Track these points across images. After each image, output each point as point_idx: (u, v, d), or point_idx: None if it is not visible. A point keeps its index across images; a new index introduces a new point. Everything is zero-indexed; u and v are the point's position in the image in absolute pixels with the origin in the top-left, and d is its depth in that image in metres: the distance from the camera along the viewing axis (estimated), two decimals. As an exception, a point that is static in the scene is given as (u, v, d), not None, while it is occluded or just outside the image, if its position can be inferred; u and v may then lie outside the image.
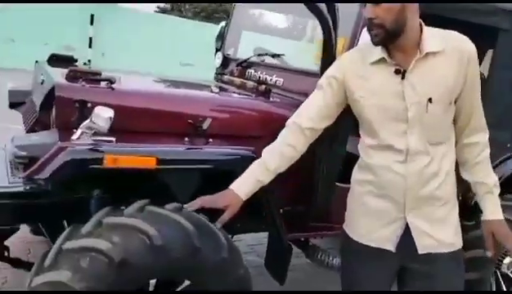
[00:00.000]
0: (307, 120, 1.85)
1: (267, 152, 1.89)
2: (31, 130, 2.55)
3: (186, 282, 1.96)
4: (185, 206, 1.93)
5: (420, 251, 1.76)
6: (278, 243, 2.40)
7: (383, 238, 1.79)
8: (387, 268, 1.83)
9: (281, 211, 2.40)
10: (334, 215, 2.55)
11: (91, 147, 1.92)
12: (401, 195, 1.74)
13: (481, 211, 1.91)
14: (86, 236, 1.80)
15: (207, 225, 1.97)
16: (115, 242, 1.74)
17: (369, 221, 1.82)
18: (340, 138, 2.53)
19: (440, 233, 1.77)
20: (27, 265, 2.39)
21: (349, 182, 1.98)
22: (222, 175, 2.06)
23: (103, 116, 1.92)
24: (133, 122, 2.19)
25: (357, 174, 1.91)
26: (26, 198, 2.03)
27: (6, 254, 2.30)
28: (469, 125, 1.81)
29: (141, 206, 1.94)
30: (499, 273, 3.13)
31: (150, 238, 1.77)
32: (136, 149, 2.03)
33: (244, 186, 1.86)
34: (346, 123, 2.31)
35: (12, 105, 3.05)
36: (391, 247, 1.79)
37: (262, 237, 2.73)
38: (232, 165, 2.14)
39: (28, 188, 2.02)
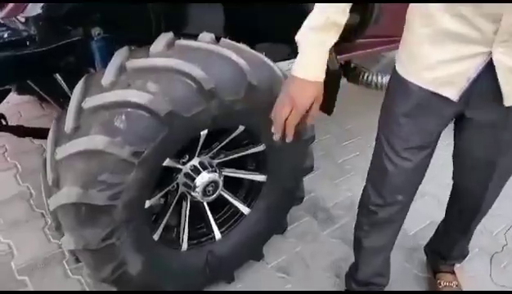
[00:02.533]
0: None
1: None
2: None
3: (241, 128, 1.60)
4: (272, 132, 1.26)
5: (508, 104, 1.24)
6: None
7: (450, 77, 1.23)
8: (442, 122, 1.38)
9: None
10: (383, 25, 2.13)
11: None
12: (494, 20, 1.11)
13: None
14: (109, 88, 1.35)
15: (259, 58, 1.54)
16: (153, 91, 1.31)
17: (436, 51, 1.22)
18: None
19: None
20: (31, 132, 1.97)
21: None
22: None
23: None
24: None
25: None
26: (10, 49, 1.52)
27: (3, 122, 1.84)
28: None
29: (169, 41, 1.46)
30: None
31: (196, 81, 1.34)
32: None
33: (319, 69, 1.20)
34: None
35: None
36: (454, 94, 1.26)
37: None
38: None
39: (7, 35, 1.50)
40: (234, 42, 1.55)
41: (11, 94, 2.49)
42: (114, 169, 1.29)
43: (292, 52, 2.29)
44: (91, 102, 1.33)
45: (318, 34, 1.14)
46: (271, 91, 1.49)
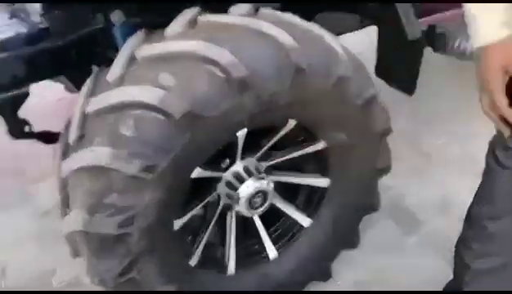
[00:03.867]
0: None
1: None
2: None
3: (291, 123, 1.25)
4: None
5: None
6: (403, 34, 1.56)
7: None
8: None
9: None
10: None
11: None
12: None
13: None
14: (116, 84, 1.07)
15: (311, 31, 1.17)
16: (168, 86, 1.00)
17: None
18: None
19: None
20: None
21: None
22: None
23: None
24: None
25: None
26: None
27: (27, 129, 1.65)
28: None
29: (191, 18, 1.15)
30: None
31: (223, 68, 1.01)
32: None
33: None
34: None
35: None
36: None
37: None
38: None
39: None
40: (276, 13, 1.19)
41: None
42: (123, 189, 1.01)
43: (362, 20, 1.90)
44: (94, 104, 1.06)
45: None
46: (328, 73, 1.12)
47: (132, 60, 1.09)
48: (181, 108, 0.97)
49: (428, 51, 1.93)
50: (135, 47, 1.11)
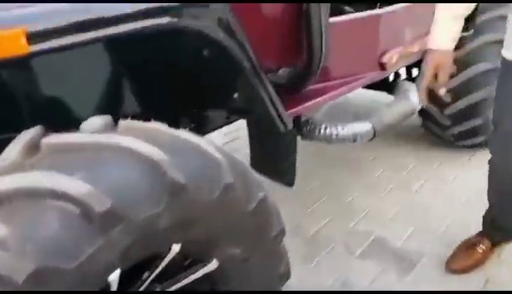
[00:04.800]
0: None
1: None
2: None
3: (175, 248, 1.03)
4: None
5: None
6: (275, 126, 1.50)
7: None
8: None
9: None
10: (335, 63, 1.70)
11: None
12: None
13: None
14: (11, 169, 0.77)
15: (184, 140, 1.01)
16: (2, 240, 0.73)
17: None
18: None
19: None
20: None
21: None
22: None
23: None
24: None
25: None
26: None
27: None
28: None
29: (32, 140, 0.91)
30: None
31: (79, 204, 0.78)
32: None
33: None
34: None
35: None
36: None
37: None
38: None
39: None
40: (139, 123, 1.01)
41: None
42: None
43: (228, 115, 1.83)
44: None
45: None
46: (211, 184, 0.96)
47: (33, 147, 0.81)
48: (22, 271, 0.70)
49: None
50: (38, 135, 0.83)
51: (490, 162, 1.77)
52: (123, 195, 0.83)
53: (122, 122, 1.00)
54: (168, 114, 1.54)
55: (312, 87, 1.69)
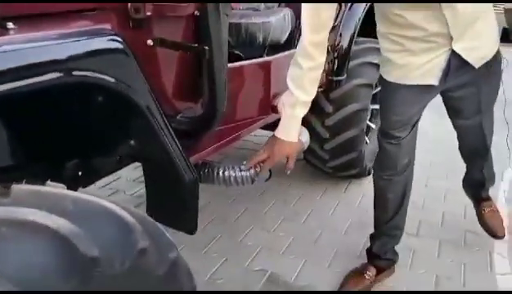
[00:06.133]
0: None
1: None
2: None
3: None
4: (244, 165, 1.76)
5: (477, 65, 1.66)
6: (178, 175, 1.45)
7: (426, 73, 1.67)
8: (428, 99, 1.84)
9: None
10: (235, 106, 1.73)
11: None
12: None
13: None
14: None
15: (90, 203, 0.91)
16: None
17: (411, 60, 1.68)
18: None
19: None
20: None
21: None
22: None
23: None
24: None
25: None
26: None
27: None
28: None
29: None
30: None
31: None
32: None
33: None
34: None
35: None
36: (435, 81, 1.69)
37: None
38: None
39: None
40: (35, 189, 0.89)
41: None
42: None
43: (121, 160, 1.71)
44: None
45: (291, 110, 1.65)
46: (125, 253, 0.88)
47: None
48: None
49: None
50: None
51: (374, 185, 2.01)
52: (28, 276, 0.72)
53: (15, 188, 0.87)
54: (54, 165, 1.41)
55: (212, 132, 1.68)
